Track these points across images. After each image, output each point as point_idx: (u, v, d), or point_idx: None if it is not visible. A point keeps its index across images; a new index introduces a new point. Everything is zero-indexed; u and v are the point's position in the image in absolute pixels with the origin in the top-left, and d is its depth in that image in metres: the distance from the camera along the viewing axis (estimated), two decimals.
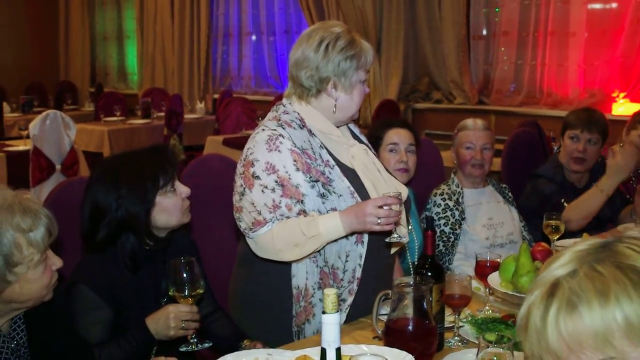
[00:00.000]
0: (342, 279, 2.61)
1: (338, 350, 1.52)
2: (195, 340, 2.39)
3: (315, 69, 2.64)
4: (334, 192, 2.58)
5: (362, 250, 2.60)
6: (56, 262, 2.05)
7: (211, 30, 11.04)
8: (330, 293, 1.51)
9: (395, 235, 2.53)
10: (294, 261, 2.57)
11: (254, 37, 10.76)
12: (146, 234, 2.49)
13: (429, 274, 2.31)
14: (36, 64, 12.73)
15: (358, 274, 2.61)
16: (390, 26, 8.57)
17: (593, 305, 1.14)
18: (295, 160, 2.54)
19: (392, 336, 2.15)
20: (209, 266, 2.79)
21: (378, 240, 2.65)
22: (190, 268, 2.35)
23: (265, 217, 2.52)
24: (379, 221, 2.42)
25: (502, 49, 8.00)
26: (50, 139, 6.39)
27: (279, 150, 2.54)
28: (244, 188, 2.55)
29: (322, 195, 2.56)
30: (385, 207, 2.41)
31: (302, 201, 2.54)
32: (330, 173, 2.60)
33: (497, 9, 8.01)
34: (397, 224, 2.49)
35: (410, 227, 3.18)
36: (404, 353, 2.01)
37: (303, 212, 2.54)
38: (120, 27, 12.86)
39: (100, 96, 10.56)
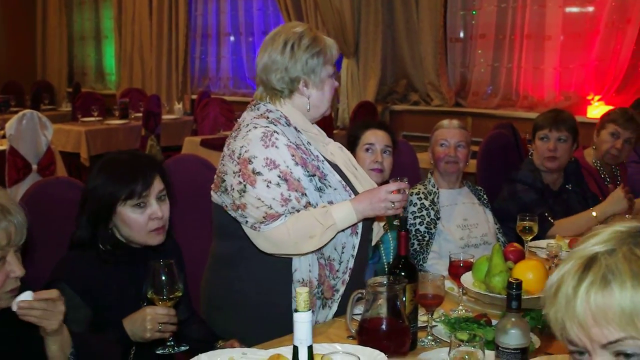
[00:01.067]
0: (337, 270, 2.67)
1: (310, 348, 1.53)
2: (172, 343, 2.38)
3: (285, 70, 2.68)
4: (330, 186, 2.65)
5: (356, 241, 2.68)
6: (15, 269, 1.99)
7: (189, 31, 11.02)
8: (302, 292, 1.53)
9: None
10: (297, 255, 2.59)
11: (232, 38, 10.76)
12: (105, 238, 2.49)
13: (403, 274, 2.33)
14: (13, 63, 12.65)
15: (351, 264, 2.68)
16: (368, 28, 8.61)
17: (626, 285, 1.19)
18: (293, 155, 2.58)
19: (366, 335, 2.17)
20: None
21: (366, 232, 2.75)
22: (170, 271, 2.34)
23: (277, 211, 2.53)
24: (392, 206, 2.53)
25: (479, 51, 8.06)
26: (27, 139, 6.35)
27: (276, 146, 2.57)
28: (245, 185, 2.55)
29: (319, 189, 2.62)
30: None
31: (305, 194, 2.58)
32: (323, 168, 2.66)
33: (474, 12, 8.08)
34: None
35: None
36: (377, 352, 2.03)
37: (309, 204, 2.58)
38: (98, 26, 12.79)
39: (78, 96, 10.51)
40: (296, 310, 1.53)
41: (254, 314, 2.70)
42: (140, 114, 9.15)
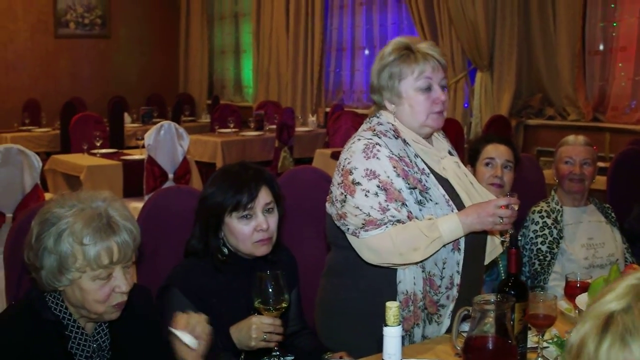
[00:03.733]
0: (439, 286, 2.63)
1: None
2: (278, 353, 2.41)
3: (372, 82, 2.77)
4: (431, 200, 2.62)
5: (460, 257, 2.63)
6: (121, 285, 2.04)
7: (325, 45, 11.16)
8: (392, 306, 1.53)
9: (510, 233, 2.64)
10: (403, 265, 2.58)
11: (366, 52, 10.82)
12: (216, 247, 2.56)
13: (512, 292, 2.28)
14: (158, 77, 13.24)
15: (457, 280, 2.64)
16: (504, 40, 8.44)
17: None
18: (394, 167, 2.58)
19: (471, 353, 2.12)
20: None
21: (474, 249, 2.69)
22: (276, 281, 2.36)
23: (376, 218, 2.54)
24: (501, 221, 2.49)
25: (620, 64, 7.73)
26: (164, 149, 6.63)
27: (377, 158, 2.58)
28: (345, 195, 2.59)
29: (420, 203, 2.60)
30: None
31: (405, 204, 2.57)
32: (426, 181, 2.64)
33: (614, 24, 7.76)
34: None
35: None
36: None
37: (410, 214, 2.57)
38: (238, 41, 13.15)
39: (216, 108, 10.85)
40: (386, 325, 1.52)
41: (360, 324, 2.68)
42: (275, 126, 9.34)
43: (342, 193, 2.61)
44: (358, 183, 2.57)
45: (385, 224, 2.54)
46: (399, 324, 1.52)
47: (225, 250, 2.58)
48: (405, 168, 2.61)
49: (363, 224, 2.56)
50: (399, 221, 2.55)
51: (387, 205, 2.54)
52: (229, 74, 13.43)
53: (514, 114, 8.50)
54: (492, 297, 2.17)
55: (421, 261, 2.57)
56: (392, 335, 1.52)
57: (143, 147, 6.90)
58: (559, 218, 3.52)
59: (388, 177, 2.57)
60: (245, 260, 2.59)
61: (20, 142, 7.34)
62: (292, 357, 2.43)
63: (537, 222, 3.52)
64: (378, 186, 2.56)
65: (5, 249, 2.71)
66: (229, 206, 2.52)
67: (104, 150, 7.79)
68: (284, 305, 2.39)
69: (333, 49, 11.23)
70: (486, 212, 2.51)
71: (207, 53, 13.46)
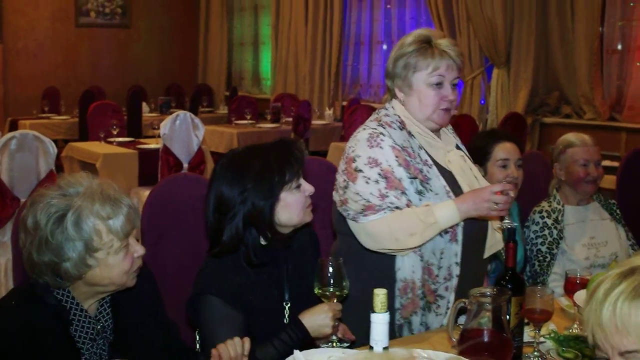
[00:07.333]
0: (437, 275, 2.68)
1: (385, 349, 1.56)
2: (336, 338, 2.40)
3: (387, 67, 2.82)
4: (431, 190, 2.67)
5: (457, 248, 2.68)
6: (138, 249, 2.14)
7: (343, 39, 11.16)
8: (380, 293, 1.56)
9: (507, 221, 2.66)
10: (400, 251, 2.61)
11: (384, 46, 10.81)
12: (269, 230, 2.45)
13: (509, 286, 2.30)
14: (176, 67, 13.32)
15: (456, 271, 2.68)
16: (521, 37, 8.41)
17: None
18: (396, 156, 2.65)
19: (466, 345, 2.15)
20: None
21: (474, 241, 2.73)
22: (338, 268, 2.37)
23: (375, 204, 2.60)
24: (496, 207, 2.52)
25: (638, 63, 7.68)
26: (179, 139, 6.68)
27: (380, 147, 2.66)
28: (347, 182, 2.67)
29: (419, 192, 2.66)
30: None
31: (405, 193, 2.63)
32: (428, 172, 2.70)
33: (634, 22, 7.71)
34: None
35: None
36: None
37: (410, 202, 2.62)
38: (257, 33, 13.20)
39: (234, 99, 10.90)
40: (373, 311, 1.55)
41: (358, 312, 2.64)
42: (291, 119, 9.37)
43: (345, 180, 2.68)
44: (360, 170, 2.64)
45: (384, 209, 2.60)
46: (386, 311, 1.55)
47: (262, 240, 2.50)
48: (407, 158, 2.67)
49: (362, 210, 2.62)
50: (397, 208, 2.61)
51: (387, 193, 2.61)
52: (248, 65, 13.48)
53: (530, 112, 8.48)
54: (488, 290, 2.20)
55: (418, 246, 2.62)
56: (379, 322, 1.55)
57: (159, 136, 6.96)
58: (559, 218, 3.51)
59: (389, 165, 2.63)
60: (275, 245, 2.52)
61: (39, 129, 7.43)
62: (349, 343, 2.42)
63: (538, 222, 3.52)
64: (379, 174, 2.62)
65: (12, 232, 2.74)
66: (285, 179, 2.43)
67: (120, 139, 7.85)
68: (345, 292, 2.39)
69: (351, 43, 11.25)
70: (481, 197, 2.55)
71: (226, 44, 13.52)
